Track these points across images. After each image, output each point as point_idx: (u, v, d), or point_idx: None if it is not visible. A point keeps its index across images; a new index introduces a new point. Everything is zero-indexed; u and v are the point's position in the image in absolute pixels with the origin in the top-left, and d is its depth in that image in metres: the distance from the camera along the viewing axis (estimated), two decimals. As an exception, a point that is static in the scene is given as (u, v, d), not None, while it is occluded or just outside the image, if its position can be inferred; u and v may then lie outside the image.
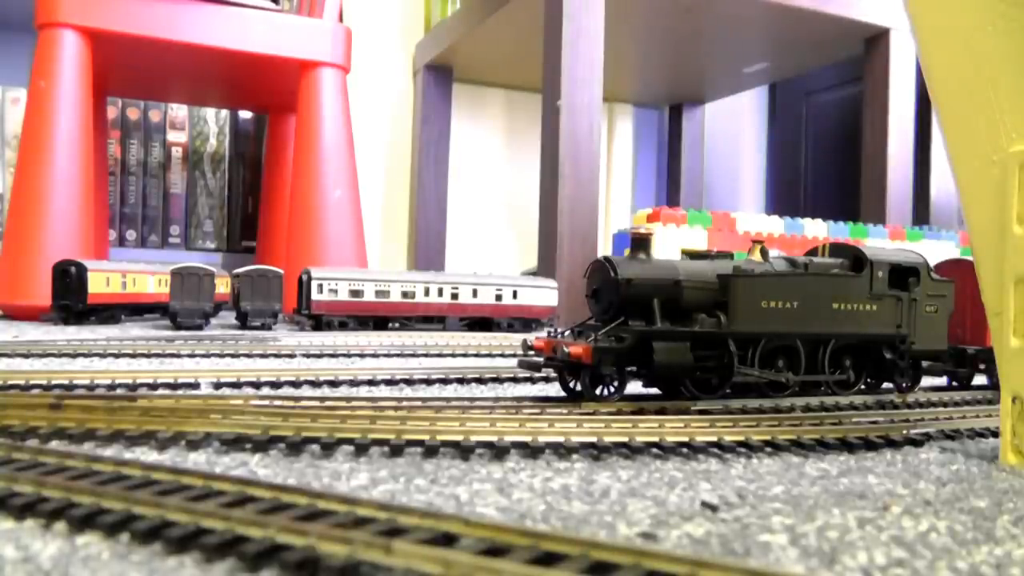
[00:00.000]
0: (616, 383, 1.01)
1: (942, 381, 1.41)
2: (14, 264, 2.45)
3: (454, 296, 2.53)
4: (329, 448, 0.73)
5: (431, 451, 0.73)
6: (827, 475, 0.70)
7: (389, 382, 1.22)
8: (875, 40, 3.25)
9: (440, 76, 3.77)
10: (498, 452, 0.73)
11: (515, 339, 2.06)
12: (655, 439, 0.78)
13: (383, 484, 0.62)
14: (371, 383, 1.21)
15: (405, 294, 2.47)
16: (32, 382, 1.04)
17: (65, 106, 2.49)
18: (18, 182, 2.50)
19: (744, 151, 4.74)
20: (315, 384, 1.18)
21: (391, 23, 3.85)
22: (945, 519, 0.56)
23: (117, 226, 3.50)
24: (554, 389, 1.16)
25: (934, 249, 2.91)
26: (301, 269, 2.42)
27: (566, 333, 1.06)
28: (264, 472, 0.64)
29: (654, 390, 1.11)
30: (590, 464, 0.72)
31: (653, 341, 0.99)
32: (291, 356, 1.57)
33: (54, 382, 1.05)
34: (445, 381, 1.25)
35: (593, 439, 0.77)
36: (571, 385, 1.04)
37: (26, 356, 1.44)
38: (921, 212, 3.50)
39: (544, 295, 2.62)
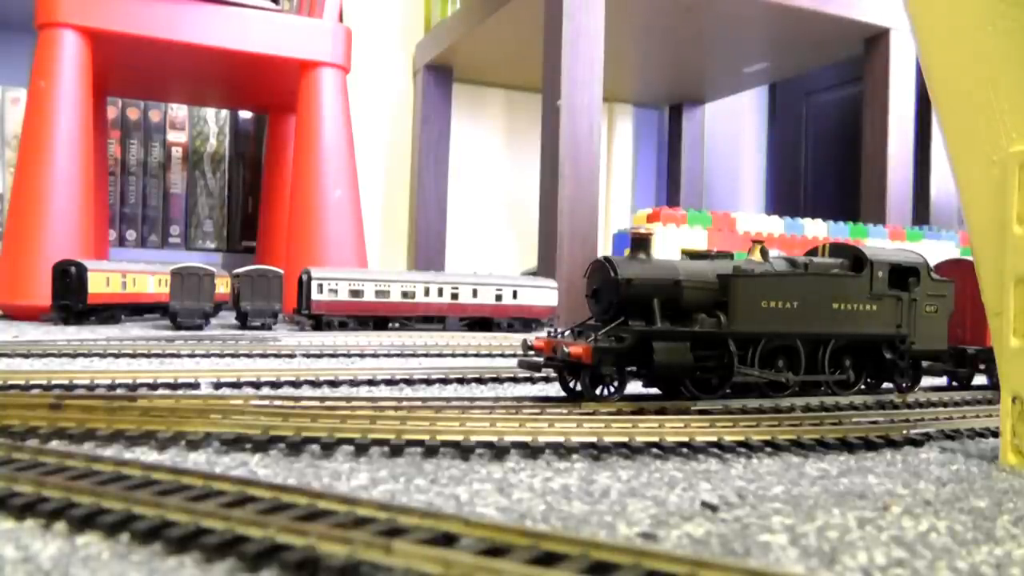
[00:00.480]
0: (616, 383, 1.01)
1: (942, 381, 1.41)
2: (14, 264, 2.45)
3: (454, 296, 2.53)
4: (329, 448, 0.73)
5: (431, 451, 0.73)
6: (827, 475, 0.70)
7: (389, 382, 1.22)
8: (875, 40, 3.25)
9: (440, 76, 3.77)
10: (498, 452, 0.73)
11: (515, 339, 2.06)
12: (655, 439, 0.78)
13: (383, 484, 0.62)
14: (371, 383, 1.21)
15: (405, 294, 2.47)
16: (32, 382, 1.04)
17: (65, 106, 2.49)
18: (18, 182, 2.50)
19: (744, 151, 4.74)
20: (315, 384, 1.18)
21: (391, 23, 3.85)
22: (945, 519, 0.56)
23: (117, 226, 3.50)
24: (554, 389, 1.17)
25: (934, 249, 2.91)
26: (301, 269, 2.42)
27: (566, 333, 1.06)
28: (264, 472, 0.64)
29: (654, 390, 1.11)
30: (590, 464, 0.72)
31: (653, 341, 0.99)
32: (291, 356, 1.57)
33: (54, 382, 1.05)
34: (445, 381, 1.25)
35: (593, 439, 0.77)
36: (571, 385, 1.04)
37: (26, 356, 1.44)
38: (921, 212, 3.50)
39: (544, 295, 2.62)
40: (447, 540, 0.43)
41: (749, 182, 4.76)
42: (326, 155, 2.84)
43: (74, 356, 1.45)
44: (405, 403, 0.93)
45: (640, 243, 1.07)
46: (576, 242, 2.65)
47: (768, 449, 0.80)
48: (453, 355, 1.73)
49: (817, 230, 2.88)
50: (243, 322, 2.38)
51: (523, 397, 1.05)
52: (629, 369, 1.02)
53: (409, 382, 1.23)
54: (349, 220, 2.89)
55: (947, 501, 0.62)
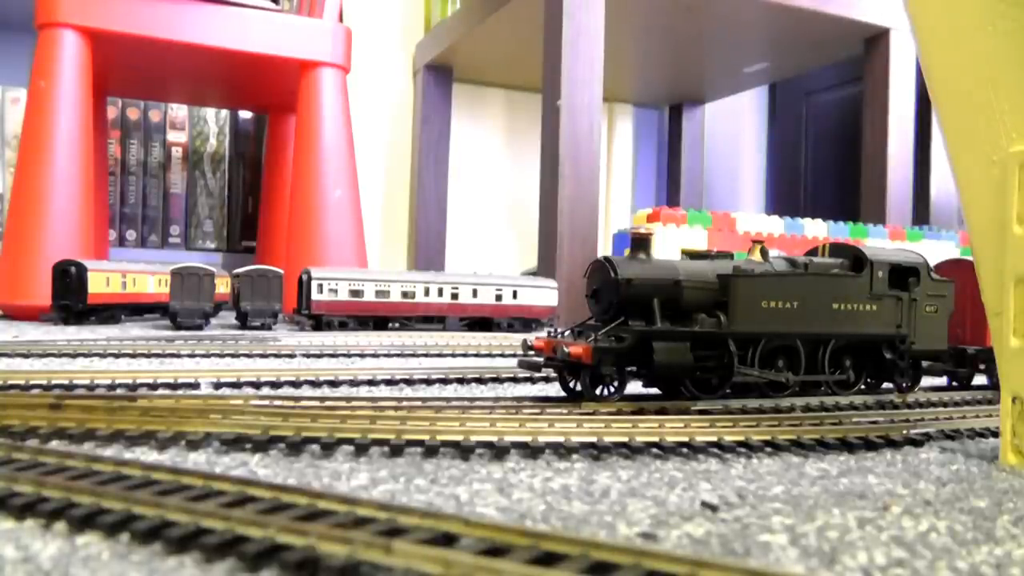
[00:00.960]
0: (616, 383, 1.01)
1: (942, 381, 1.41)
2: (14, 264, 2.45)
3: (454, 296, 2.53)
4: (329, 448, 0.73)
5: (431, 451, 0.73)
6: (827, 475, 0.70)
7: (389, 382, 1.22)
8: (875, 40, 3.25)
9: (440, 76, 3.77)
10: (498, 452, 0.73)
11: (515, 339, 2.06)
12: (655, 439, 0.78)
13: (383, 484, 0.62)
14: (371, 383, 1.21)
15: (405, 294, 2.47)
16: (32, 382, 1.04)
17: (65, 106, 2.49)
18: (18, 182, 2.50)
19: (744, 151, 4.74)
20: (315, 384, 1.18)
21: (391, 23, 3.85)
22: (945, 519, 0.56)
23: (117, 226, 3.50)
24: (554, 389, 1.17)
25: (934, 249, 2.91)
26: (301, 269, 2.42)
27: (566, 333, 1.06)
28: (264, 472, 0.64)
29: (654, 390, 1.11)
30: (590, 464, 0.72)
31: (653, 341, 0.99)
32: (291, 356, 1.57)
33: (54, 382, 1.05)
34: (445, 381, 1.25)
35: (593, 439, 0.77)
36: (571, 385, 1.04)
37: (26, 356, 1.44)
38: (921, 212, 3.50)
39: (544, 295, 2.62)
40: (447, 540, 0.43)
41: (749, 182, 4.76)
42: (326, 155, 2.84)
43: (74, 356, 1.45)
44: (405, 403, 0.93)
45: (640, 243, 1.07)
46: (576, 242, 2.65)
47: (768, 449, 0.80)
48: (453, 355, 1.73)
49: (817, 230, 2.88)
50: (243, 322, 2.38)
51: (523, 397, 1.05)
52: (629, 369, 1.02)
53: (409, 382, 1.23)
54: (349, 220, 2.89)
55: (947, 501, 0.62)
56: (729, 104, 4.48)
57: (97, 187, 2.90)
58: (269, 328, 2.34)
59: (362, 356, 1.63)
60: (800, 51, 3.48)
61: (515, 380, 1.30)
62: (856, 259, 1.18)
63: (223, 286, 2.69)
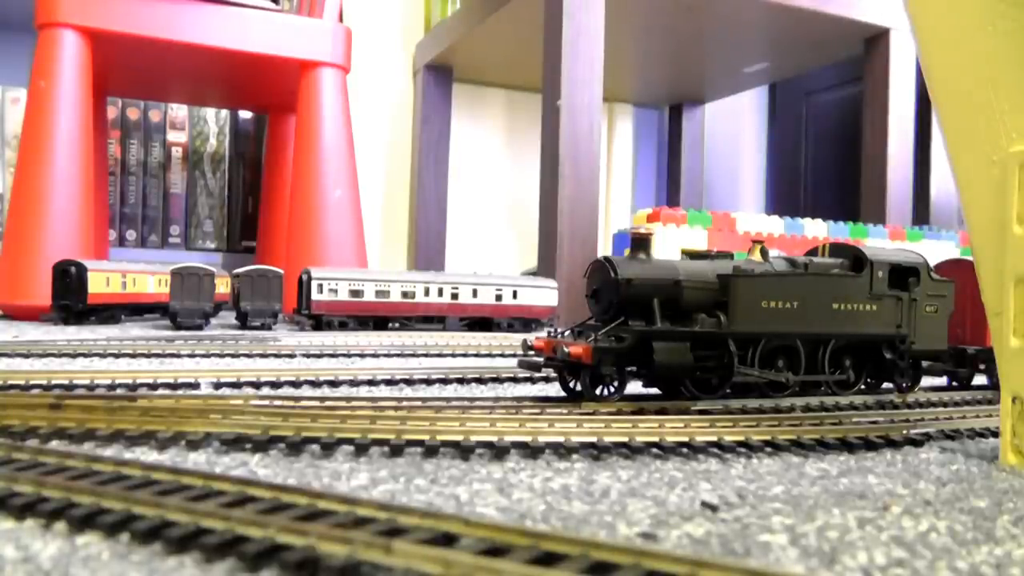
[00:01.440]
0: (616, 383, 1.01)
1: (942, 381, 1.41)
2: (14, 264, 2.45)
3: (454, 296, 2.53)
4: (329, 448, 0.73)
5: (431, 451, 0.73)
6: (827, 475, 0.70)
7: (389, 382, 1.22)
8: (875, 40, 3.25)
9: (440, 76, 3.77)
10: (498, 452, 0.73)
11: (515, 339, 2.06)
12: (655, 439, 0.78)
13: (383, 484, 0.62)
14: (371, 383, 1.21)
15: (405, 294, 2.47)
16: (32, 382, 1.04)
17: (65, 106, 2.49)
18: (18, 182, 2.50)
19: (744, 151, 4.74)
20: (315, 384, 1.18)
21: (391, 23, 3.85)
22: (945, 519, 0.56)
23: (117, 226, 3.50)
24: (554, 389, 1.17)
25: (934, 249, 2.91)
26: (301, 269, 2.42)
27: (566, 333, 1.06)
28: (264, 472, 0.64)
29: (654, 390, 1.11)
30: (590, 464, 0.72)
31: (653, 341, 0.99)
32: (291, 356, 1.57)
33: (54, 382, 1.05)
34: (445, 381, 1.25)
35: (593, 439, 0.77)
36: (571, 385, 1.04)
37: (26, 356, 1.44)
38: (921, 212, 3.50)
39: (544, 295, 2.62)
40: (447, 540, 0.43)
41: (749, 182, 4.76)
42: (326, 155, 2.84)
43: (74, 356, 1.45)
44: (405, 403, 0.93)
45: (640, 243, 1.07)
46: (576, 242, 2.65)
47: (768, 449, 0.80)
48: (453, 355, 1.73)
49: (817, 230, 2.88)
50: (243, 322, 2.38)
51: (523, 397, 1.05)
52: (629, 369, 1.02)
53: (409, 382, 1.23)
54: (349, 220, 2.89)
55: (947, 501, 0.62)
56: (729, 104, 4.47)
57: (97, 187, 2.90)
58: (269, 328, 2.34)
59: (362, 356, 1.63)
60: (800, 51, 3.48)
61: (515, 380, 1.30)
62: (856, 259, 1.18)
63: (223, 286, 2.69)
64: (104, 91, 3.18)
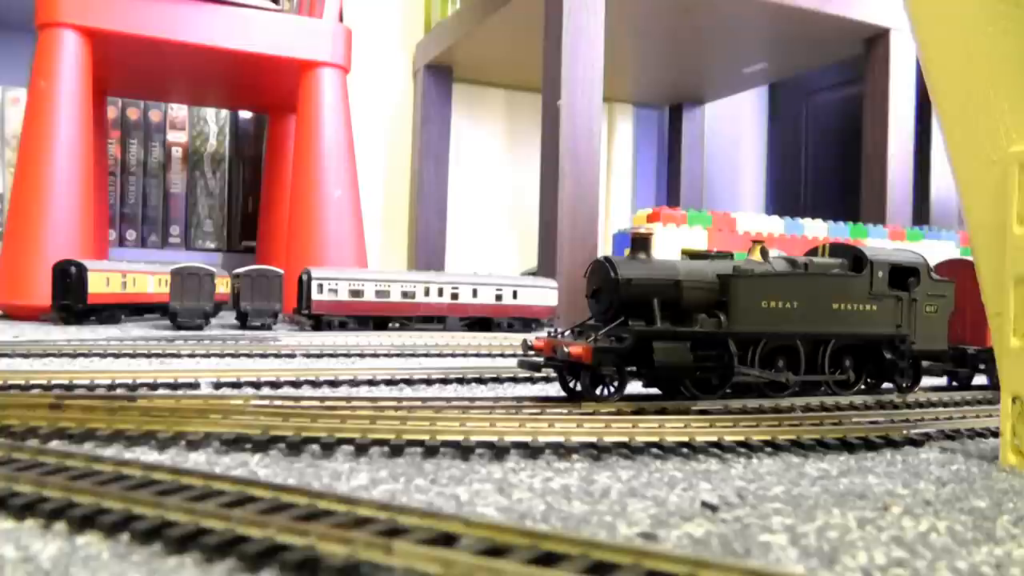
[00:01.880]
0: (616, 383, 1.01)
1: (942, 381, 1.41)
2: (14, 264, 2.45)
3: (454, 296, 2.53)
4: (329, 448, 0.73)
5: (431, 451, 0.73)
6: (827, 475, 0.70)
7: (389, 382, 1.22)
8: (875, 40, 3.25)
9: (440, 76, 3.77)
10: (498, 452, 0.73)
11: (515, 339, 2.06)
12: (655, 439, 0.78)
13: (383, 484, 0.62)
14: (371, 383, 1.21)
15: (405, 294, 2.47)
16: (32, 382, 1.04)
17: (65, 106, 2.49)
18: (18, 182, 2.50)
19: (744, 151, 4.74)
20: (315, 384, 1.18)
21: (391, 23, 3.85)
22: (945, 519, 0.56)
23: (117, 226, 3.50)
24: (554, 389, 1.17)
25: (934, 249, 2.91)
26: (301, 269, 2.42)
27: (566, 333, 1.06)
28: (264, 472, 0.64)
29: (654, 390, 1.11)
30: (590, 464, 0.72)
31: (653, 341, 0.99)
32: (291, 356, 1.57)
33: (54, 382, 1.05)
34: (445, 381, 1.25)
35: (593, 439, 0.77)
36: (571, 385, 1.04)
37: (26, 356, 1.44)
38: (921, 212, 3.50)
39: (544, 295, 2.62)
40: (447, 540, 0.43)
41: (749, 182, 4.76)
42: (326, 155, 2.84)
43: (74, 356, 1.45)
44: (405, 403, 0.93)
45: (640, 243, 1.07)
46: (576, 242, 2.65)
47: (768, 449, 0.80)
48: (453, 355, 1.73)
49: (817, 230, 2.88)
50: (243, 322, 2.38)
51: (523, 397, 1.05)
52: (629, 369, 1.02)
53: (409, 382, 1.23)
54: (349, 220, 2.89)
55: (947, 501, 0.62)
56: (729, 104, 4.48)
57: (97, 187, 2.90)
58: (269, 328, 2.34)
59: (362, 356, 1.63)
60: (800, 51, 3.48)
61: (515, 380, 1.30)
62: (856, 259, 1.18)
63: (223, 286, 2.69)
64: (104, 91, 3.18)
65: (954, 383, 1.38)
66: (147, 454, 0.70)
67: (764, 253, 1.14)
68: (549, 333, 1.07)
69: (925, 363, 1.24)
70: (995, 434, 0.92)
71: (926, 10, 0.82)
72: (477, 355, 1.76)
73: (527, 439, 0.75)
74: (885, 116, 3.20)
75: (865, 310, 1.14)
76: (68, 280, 2.24)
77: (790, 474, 0.70)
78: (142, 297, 2.54)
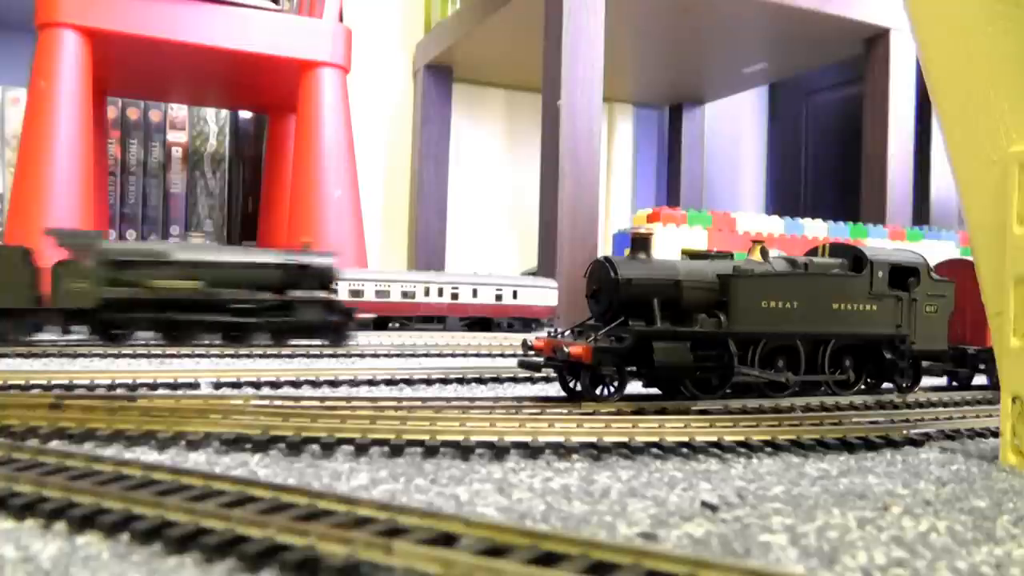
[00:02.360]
0: (616, 383, 1.01)
1: (942, 381, 1.41)
2: (14, 264, 2.44)
3: (454, 296, 2.53)
4: (329, 448, 0.73)
5: (431, 451, 0.73)
6: (827, 475, 0.70)
7: (389, 382, 1.22)
8: (875, 40, 3.25)
9: (440, 76, 3.77)
10: (498, 452, 0.73)
11: (515, 339, 2.06)
12: (655, 439, 0.78)
13: (383, 484, 0.62)
14: (371, 383, 1.21)
15: (405, 294, 2.47)
16: (32, 382, 1.04)
17: (65, 106, 2.49)
18: (18, 182, 2.50)
19: (744, 151, 4.74)
20: (315, 384, 1.18)
21: (391, 23, 3.85)
22: (945, 519, 0.56)
23: (117, 226, 3.50)
24: (554, 389, 1.17)
25: (934, 249, 2.91)
26: (301, 269, 2.42)
27: (566, 333, 1.06)
28: (264, 472, 0.64)
29: (654, 390, 1.11)
30: (590, 464, 0.72)
31: (653, 341, 0.99)
32: (291, 356, 1.57)
33: (54, 382, 1.05)
34: (445, 381, 1.25)
35: (593, 439, 0.77)
36: (571, 385, 1.04)
37: (26, 356, 1.44)
38: (921, 212, 3.50)
39: (544, 295, 2.62)
40: (447, 540, 0.43)
41: (749, 182, 4.76)
42: (326, 155, 2.84)
43: (74, 356, 1.45)
44: (405, 403, 0.93)
45: (640, 243, 1.07)
46: (576, 242, 2.65)
47: (768, 449, 0.80)
48: (453, 355, 1.73)
49: (817, 230, 2.88)
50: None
51: (523, 397, 1.05)
52: (629, 369, 1.02)
53: (409, 382, 1.23)
54: (349, 220, 2.89)
55: (947, 501, 0.62)
56: (729, 104, 4.47)
57: (97, 187, 2.90)
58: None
59: (362, 356, 1.63)
60: (800, 51, 3.48)
61: (515, 380, 1.30)
62: (856, 259, 1.18)
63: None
64: (104, 91, 3.18)
65: (954, 383, 1.38)
66: (147, 454, 0.70)
67: (764, 253, 1.14)
68: (549, 333, 1.07)
69: (925, 363, 1.24)
70: (995, 434, 0.92)
71: (926, 10, 0.82)
72: (477, 355, 1.76)
73: (527, 439, 0.75)
74: (885, 116, 3.19)
75: (865, 310, 1.14)
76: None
77: (790, 474, 0.70)
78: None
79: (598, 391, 1.00)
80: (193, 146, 3.63)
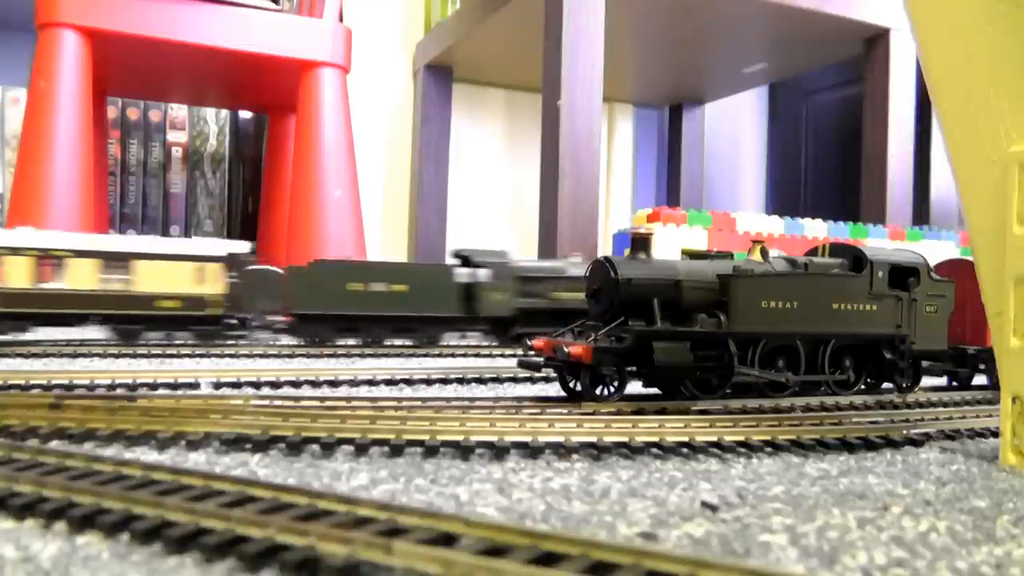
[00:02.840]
0: (616, 383, 1.01)
1: (942, 381, 1.41)
2: (14, 264, 2.44)
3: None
4: (329, 448, 0.73)
5: (431, 451, 0.73)
6: (827, 475, 0.70)
7: (389, 382, 1.22)
8: (875, 40, 3.24)
9: (440, 76, 3.77)
10: (498, 452, 0.73)
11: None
12: (655, 439, 0.78)
13: (383, 484, 0.62)
14: (371, 383, 1.21)
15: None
16: (32, 382, 1.04)
17: (65, 106, 2.49)
18: (18, 182, 2.50)
19: (744, 151, 4.74)
20: (315, 384, 1.18)
21: (391, 23, 3.85)
22: (945, 519, 0.56)
23: (117, 226, 3.50)
24: (554, 389, 1.17)
25: (934, 249, 2.90)
26: (301, 269, 2.41)
27: (566, 333, 1.06)
28: (264, 472, 0.64)
29: (654, 390, 1.11)
30: (590, 464, 0.72)
31: (653, 341, 0.99)
32: (291, 356, 1.57)
33: (54, 382, 1.05)
34: (445, 381, 1.25)
35: (593, 439, 0.77)
36: (571, 385, 1.04)
37: (26, 356, 1.44)
38: (921, 212, 3.50)
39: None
40: (447, 540, 0.43)
41: (749, 182, 4.76)
42: (326, 155, 2.84)
43: (74, 356, 1.45)
44: (405, 403, 0.93)
45: (640, 243, 1.07)
46: (576, 242, 2.65)
47: (768, 449, 0.80)
48: (453, 355, 1.73)
49: (817, 230, 2.87)
50: (242, 322, 2.37)
51: (523, 397, 1.05)
52: (629, 369, 1.02)
53: (409, 382, 1.23)
54: (349, 220, 2.89)
55: (947, 501, 0.62)
56: (729, 104, 4.47)
57: (97, 187, 2.90)
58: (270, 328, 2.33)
59: (362, 356, 1.63)
60: (800, 51, 3.48)
61: (515, 380, 1.30)
62: (856, 259, 1.18)
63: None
64: (104, 91, 3.18)
65: (954, 383, 1.38)
66: (147, 454, 0.70)
67: (764, 253, 1.14)
68: (549, 333, 1.07)
69: (925, 363, 1.24)
70: (995, 434, 0.92)
71: (926, 10, 0.82)
72: (477, 355, 1.76)
73: (527, 439, 0.75)
74: (885, 116, 3.19)
75: (865, 310, 1.14)
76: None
77: (790, 474, 0.70)
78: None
79: (598, 391, 1.00)
80: (193, 146, 3.63)
